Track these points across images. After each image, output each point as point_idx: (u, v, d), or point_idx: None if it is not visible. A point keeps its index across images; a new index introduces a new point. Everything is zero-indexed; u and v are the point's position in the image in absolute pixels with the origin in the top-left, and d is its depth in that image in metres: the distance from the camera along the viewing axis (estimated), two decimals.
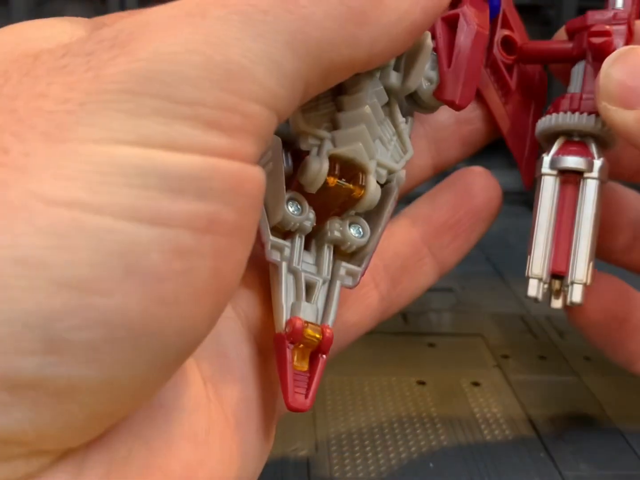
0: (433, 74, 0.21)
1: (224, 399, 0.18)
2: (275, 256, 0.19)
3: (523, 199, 0.57)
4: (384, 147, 0.20)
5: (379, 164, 0.20)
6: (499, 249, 0.48)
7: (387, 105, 0.20)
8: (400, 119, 0.21)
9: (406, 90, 0.20)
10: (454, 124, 0.24)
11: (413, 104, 0.21)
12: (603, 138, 0.23)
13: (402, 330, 0.36)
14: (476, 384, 0.31)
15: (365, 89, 0.19)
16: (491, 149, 0.62)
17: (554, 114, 0.23)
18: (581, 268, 0.22)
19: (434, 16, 0.17)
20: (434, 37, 0.20)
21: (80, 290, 0.12)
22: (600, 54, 0.22)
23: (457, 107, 0.21)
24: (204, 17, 0.13)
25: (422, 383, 0.31)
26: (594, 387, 0.32)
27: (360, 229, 0.20)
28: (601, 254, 0.24)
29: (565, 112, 0.22)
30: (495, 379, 0.32)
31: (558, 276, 0.22)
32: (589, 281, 0.22)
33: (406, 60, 0.20)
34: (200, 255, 0.13)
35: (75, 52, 0.14)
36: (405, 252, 0.24)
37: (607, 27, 0.22)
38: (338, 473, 0.25)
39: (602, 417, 0.29)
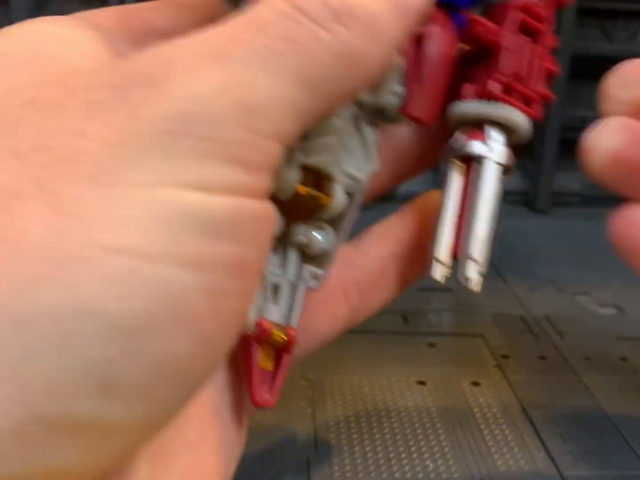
0: (399, 89, 0.21)
1: (208, 404, 0.19)
2: None
3: (524, 199, 0.57)
4: (350, 157, 0.21)
5: (345, 174, 0.21)
6: (499, 249, 0.48)
7: (355, 117, 0.21)
8: (367, 130, 0.21)
9: (373, 105, 0.21)
10: (413, 136, 0.24)
11: (378, 116, 0.22)
12: (505, 125, 0.23)
13: (402, 330, 0.36)
14: (476, 383, 0.31)
15: None
16: None
17: (457, 102, 0.23)
18: (474, 246, 0.22)
19: (410, 32, 0.18)
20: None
21: (136, 338, 0.13)
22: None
23: (423, 124, 0.21)
24: (227, 57, 0.14)
25: (422, 383, 0.31)
26: (594, 387, 0.32)
27: (325, 234, 0.21)
28: None
29: (463, 99, 0.23)
30: (495, 379, 0.32)
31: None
32: (480, 261, 0.22)
33: None
34: (231, 296, 0.14)
35: (107, 86, 0.14)
36: (375, 269, 0.25)
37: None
38: (338, 473, 0.25)
39: (602, 417, 0.29)
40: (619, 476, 0.26)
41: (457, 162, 0.23)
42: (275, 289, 0.20)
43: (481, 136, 0.23)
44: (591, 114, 0.60)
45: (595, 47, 0.56)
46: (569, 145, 0.57)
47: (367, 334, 0.36)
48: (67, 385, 0.12)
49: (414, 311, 0.38)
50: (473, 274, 0.22)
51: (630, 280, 0.44)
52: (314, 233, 0.21)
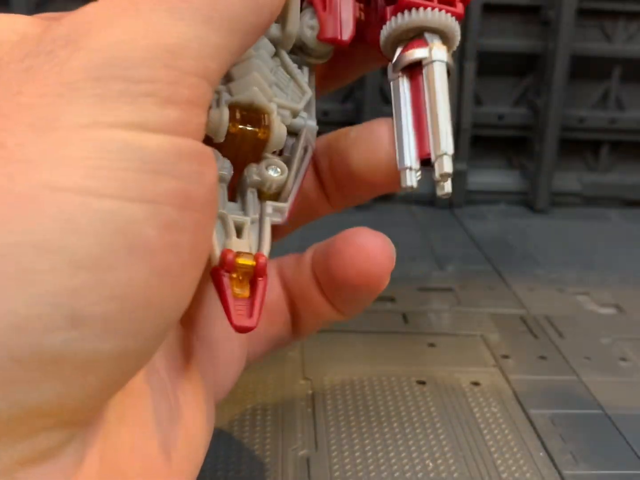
0: (313, 22, 0.22)
1: (179, 385, 0.20)
2: None
3: (523, 199, 0.57)
4: (281, 92, 0.22)
5: (279, 106, 0.21)
6: (498, 249, 0.48)
7: (277, 56, 0.22)
8: (292, 65, 0.22)
9: (288, 37, 0.22)
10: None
11: (305, 55, 0.23)
12: (437, 29, 0.24)
13: (402, 330, 0.36)
14: (476, 383, 0.32)
15: None
16: (491, 149, 0.62)
17: (386, 23, 0.23)
18: (443, 140, 0.22)
19: None
20: None
21: (94, 269, 0.13)
22: None
23: (341, 42, 0.22)
24: (137, 11, 0.15)
25: (422, 383, 0.31)
26: (594, 387, 0.32)
27: (278, 169, 0.22)
28: None
29: (391, 18, 0.23)
30: (495, 378, 0.32)
31: (428, 162, 0.23)
32: (450, 151, 0.22)
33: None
34: (182, 230, 0.15)
35: (35, 53, 0.15)
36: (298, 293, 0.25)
37: None
38: (338, 472, 0.25)
39: (601, 417, 0.29)
40: (619, 476, 0.26)
41: (400, 76, 0.24)
42: (239, 229, 0.21)
43: (422, 43, 0.24)
44: (591, 114, 0.61)
45: (595, 47, 0.56)
46: (568, 145, 0.58)
47: (367, 334, 0.36)
48: (35, 320, 0.13)
49: (414, 311, 0.38)
50: (449, 166, 0.22)
51: (630, 280, 0.44)
52: (265, 170, 0.22)
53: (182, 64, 0.15)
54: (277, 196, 0.22)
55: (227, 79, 0.21)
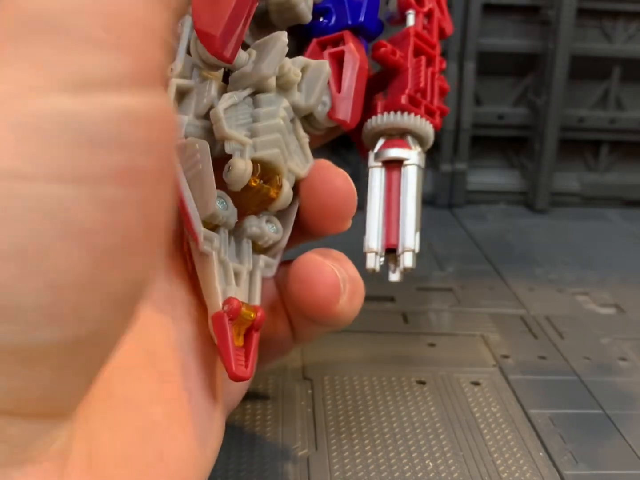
0: (326, 99, 0.24)
1: (179, 390, 0.20)
2: (207, 246, 0.21)
3: (523, 199, 0.57)
4: (291, 155, 0.23)
5: (289, 170, 0.23)
6: (498, 249, 0.48)
7: (292, 122, 0.23)
8: (302, 132, 0.24)
9: (308, 109, 0.23)
10: None
11: (308, 124, 0.24)
12: (417, 134, 0.27)
13: (402, 330, 0.36)
14: (476, 383, 0.32)
15: (277, 103, 0.22)
16: (491, 149, 0.62)
17: (377, 116, 0.26)
18: (410, 238, 0.25)
19: None
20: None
21: (21, 260, 0.12)
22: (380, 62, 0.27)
23: (348, 126, 0.24)
24: None
25: (422, 383, 0.31)
26: (594, 387, 0.32)
27: (275, 226, 0.23)
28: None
29: (382, 113, 0.26)
30: (495, 378, 0.32)
31: (392, 251, 0.26)
32: (417, 249, 0.25)
33: (306, 83, 0.23)
34: (127, 206, 0.13)
35: None
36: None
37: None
38: (338, 472, 0.25)
39: (601, 417, 0.29)
40: (618, 476, 0.26)
41: (378, 166, 0.26)
42: (237, 276, 0.22)
43: (402, 144, 0.26)
44: (591, 114, 0.61)
45: (595, 47, 0.56)
46: (568, 145, 0.58)
47: (367, 334, 0.36)
48: None
49: (414, 311, 0.38)
50: (410, 262, 0.25)
51: (630, 280, 0.44)
52: (265, 225, 0.22)
53: (120, 9, 0.13)
54: (266, 250, 0.23)
55: (253, 133, 0.22)
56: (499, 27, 0.55)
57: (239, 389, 0.24)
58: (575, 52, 0.54)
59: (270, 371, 0.31)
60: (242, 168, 0.21)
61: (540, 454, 0.27)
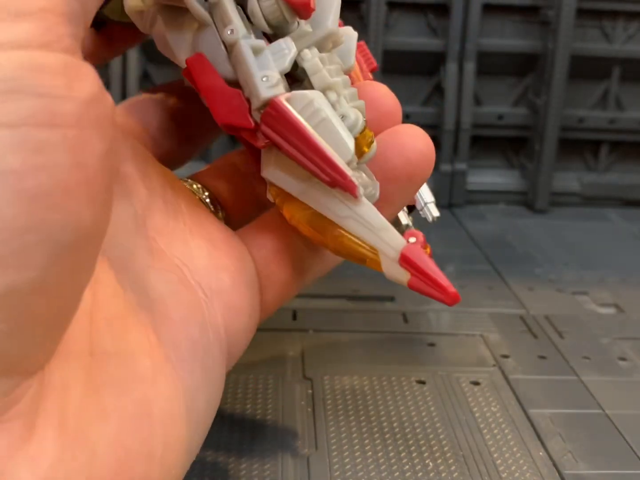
0: None
1: (164, 341, 0.19)
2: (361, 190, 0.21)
3: (523, 199, 0.58)
4: None
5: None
6: (498, 249, 0.48)
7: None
8: None
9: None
10: None
11: None
12: None
13: (402, 330, 0.36)
14: (476, 383, 0.32)
15: (335, 60, 0.22)
16: (490, 149, 0.62)
17: None
18: (426, 192, 0.28)
19: None
20: None
21: None
22: None
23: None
24: None
25: (421, 382, 0.31)
26: (594, 387, 0.32)
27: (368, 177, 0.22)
28: None
29: None
30: (495, 378, 0.32)
31: (412, 208, 0.28)
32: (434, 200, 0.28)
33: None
34: (54, 149, 0.14)
35: None
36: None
37: None
38: (338, 472, 0.25)
39: (601, 417, 0.30)
40: (618, 476, 0.26)
41: None
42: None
43: None
44: (591, 114, 0.61)
45: (594, 47, 0.56)
46: (568, 145, 0.58)
47: (367, 334, 0.36)
48: None
49: (414, 311, 0.38)
50: (437, 211, 0.28)
51: (630, 279, 0.44)
52: (364, 175, 0.22)
53: None
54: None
55: None
56: (498, 27, 0.55)
57: (243, 336, 0.23)
58: (575, 52, 0.54)
59: (270, 371, 0.31)
60: (354, 117, 0.21)
61: (540, 453, 0.27)
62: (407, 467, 0.26)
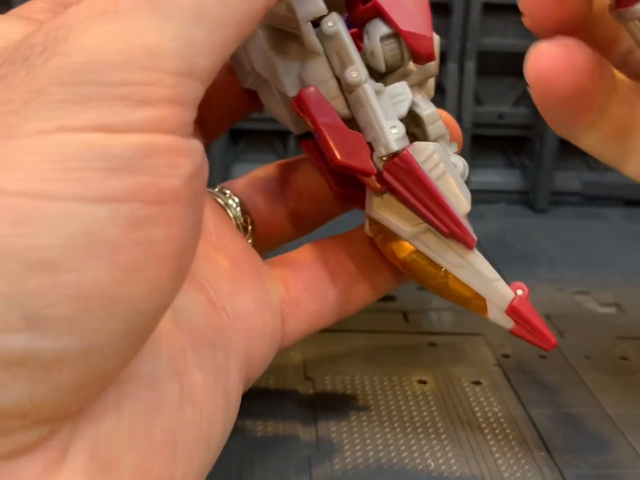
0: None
1: (193, 365, 0.19)
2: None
3: (523, 198, 0.57)
4: None
5: None
6: (498, 249, 0.48)
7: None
8: None
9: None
10: None
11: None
12: None
13: (403, 330, 0.36)
14: (477, 382, 0.32)
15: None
16: (491, 149, 0.62)
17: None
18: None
19: None
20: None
21: (49, 271, 0.13)
22: None
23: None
24: (117, 12, 0.15)
25: (422, 382, 0.31)
26: (594, 386, 0.32)
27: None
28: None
29: None
30: (496, 378, 0.32)
31: None
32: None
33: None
34: (153, 224, 0.15)
35: (12, 60, 0.15)
36: (366, 254, 0.26)
37: None
38: (339, 472, 0.25)
39: (602, 417, 0.30)
40: (619, 475, 0.26)
41: None
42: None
43: None
44: None
45: None
46: (568, 145, 0.57)
47: (367, 333, 0.36)
48: None
49: (414, 310, 0.38)
50: None
51: (631, 279, 0.44)
52: None
53: (162, 64, 0.15)
54: None
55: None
56: (499, 27, 0.55)
57: (262, 360, 0.24)
58: None
59: (271, 371, 0.31)
60: (462, 166, 0.22)
61: (542, 453, 0.27)
62: (409, 467, 0.26)
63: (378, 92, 0.21)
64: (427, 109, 0.22)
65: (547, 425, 0.29)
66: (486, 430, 0.28)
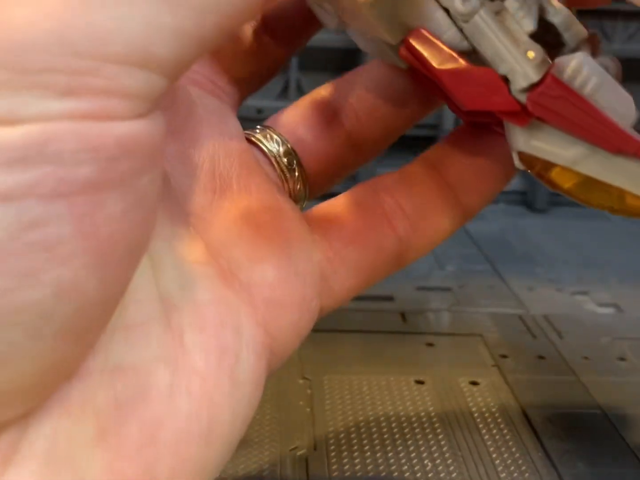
0: None
1: (193, 349, 0.17)
2: None
3: (522, 198, 0.57)
4: None
5: None
6: (498, 249, 0.48)
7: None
8: None
9: None
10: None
11: None
12: None
13: (401, 330, 0.36)
14: (475, 383, 0.32)
15: None
16: None
17: None
18: None
19: None
20: None
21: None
22: None
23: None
24: None
25: (420, 382, 0.31)
26: (593, 387, 0.32)
27: None
28: None
29: None
30: (494, 378, 0.32)
31: None
32: None
33: None
34: (55, 220, 0.12)
35: None
36: (427, 195, 0.22)
37: None
38: (337, 472, 0.25)
39: (600, 417, 0.30)
40: (617, 475, 0.26)
41: None
42: None
43: None
44: None
45: None
46: None
47: (365, 334, 0.36)
48: None
49: (412, 310, 0.38)
50: None
51: (629, 279, 0.44)
52: None
53: (102, 50, 0.12)
54: None
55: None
56: None
57: (290, 333, 0.20)
58: None
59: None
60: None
61: (539, 453, 0.27)
62: (406, 467, 0.26)
63: (498, 13, 0.18)
64: (557, 14, 0.19)
65: (545, 425, 0.29)
66: (483, 431, 0.28)
